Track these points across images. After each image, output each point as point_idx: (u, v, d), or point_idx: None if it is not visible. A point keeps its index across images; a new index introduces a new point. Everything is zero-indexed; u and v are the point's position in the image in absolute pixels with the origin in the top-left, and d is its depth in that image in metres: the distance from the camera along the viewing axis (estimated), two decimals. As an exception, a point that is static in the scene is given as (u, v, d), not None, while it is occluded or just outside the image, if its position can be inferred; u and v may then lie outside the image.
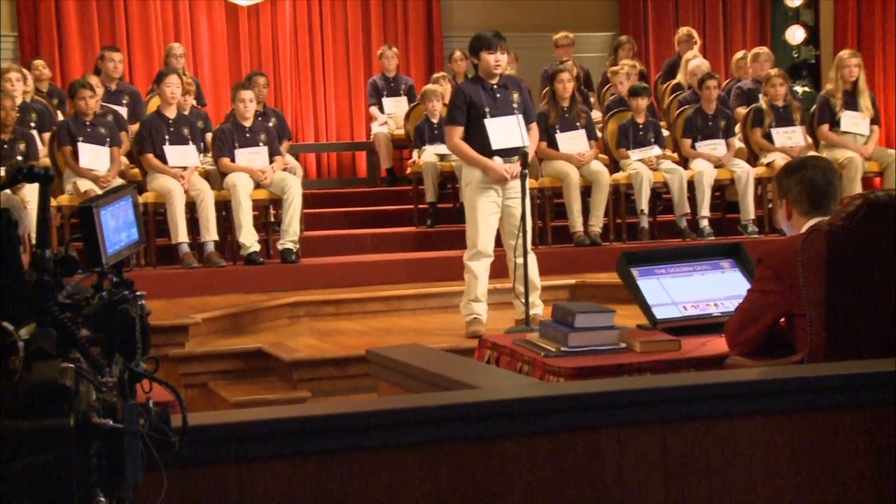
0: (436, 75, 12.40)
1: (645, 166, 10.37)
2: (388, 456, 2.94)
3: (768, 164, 10.47)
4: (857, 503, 3.24)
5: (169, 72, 10.21)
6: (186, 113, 10.17)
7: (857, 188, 10.00)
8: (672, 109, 11.67)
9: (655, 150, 10.59)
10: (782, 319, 4.20)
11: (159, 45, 13.09)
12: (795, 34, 13.77)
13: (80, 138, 9.50)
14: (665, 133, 11.09)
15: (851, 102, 10.59)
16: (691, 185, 10.43)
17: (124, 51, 12.35)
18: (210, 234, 9.50)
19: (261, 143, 9.86)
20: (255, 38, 13.81)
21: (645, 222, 10.37)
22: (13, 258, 1.91)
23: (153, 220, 9.55)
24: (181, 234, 9.44)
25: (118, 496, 1.92)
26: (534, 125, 7.79)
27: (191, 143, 9.84)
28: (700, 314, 5.02)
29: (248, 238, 9.51)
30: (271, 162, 9.84)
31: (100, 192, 7.65)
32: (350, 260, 10.10)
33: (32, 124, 10.06)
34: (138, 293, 2.15)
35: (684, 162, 10.76)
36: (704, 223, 10.41)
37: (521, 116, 7.51)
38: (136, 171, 10.07)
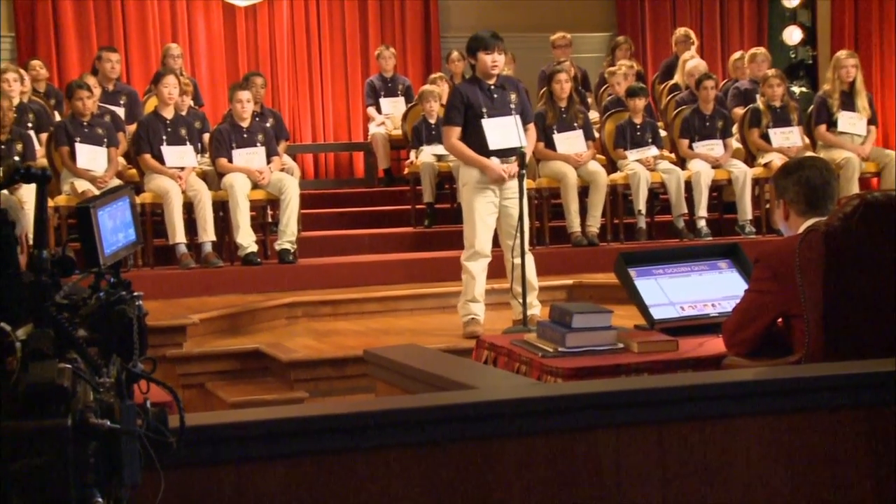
0: (433, 76, 12.40)
1: (642, 167, 10.37)
2: (386, 456, 2.94)
3: (766, 165, 10.47)
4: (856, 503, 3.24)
5: (166, 72, 10.20)
6: (184, 113, 10.17)
7: (855, 188, 10.00)
8: (669, 110, 11.67)
9: (653, 151, 10.60)
10: (780, 320, 4.20)
11: (156, 45, 13.09)
12: (793, 35, 13.77)
13: (78, 139, 9.50)
14: (662, 133, 11.09)
15: (848, 103, 10.60)
16: (689, 186, 10.43)
17: (122, 51, 12.34)
18: (207, 234, 9.50)
19: (258, 144, 9.86)
20: (252, 39, 13.81)
21: (642, 223, 10.37)
22: (10, 258, 1.91)
23: (150, 220, 9.55)
24: (178, 235, 9.43)
25: (115, 496, 1.92)
26: (531, 126, 7.79)
27: (188, 143, 9.83)
28: (697, 314, 5.03)
29: (246, 238, 9.51)
30: (269, 162, 9.84)
31: (97, 192, 7.67)
32: (347, 260, 10.09)
33: (30, 125, 10.05)
34: (136, 293, 2.15)
35: (682, 162, 10.76)
36: (702, 223, 10.41)
37: (518, 117, 7.51)
38: (134, 171, 10.07)
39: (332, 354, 7.18)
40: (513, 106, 7.53)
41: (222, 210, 9.70)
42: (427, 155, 10.89)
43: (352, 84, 13.99)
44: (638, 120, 10.70)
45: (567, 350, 4.60)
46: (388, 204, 11.83)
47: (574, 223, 10.11)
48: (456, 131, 7.51)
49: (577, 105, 10.60)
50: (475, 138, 7.42)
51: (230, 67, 13.60)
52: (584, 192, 10.23)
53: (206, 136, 10.31)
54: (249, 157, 9.77)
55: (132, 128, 10.23)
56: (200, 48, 13.57)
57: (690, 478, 3.13)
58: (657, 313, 5.00)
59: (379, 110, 12.68)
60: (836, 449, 3.23)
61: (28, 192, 8.15)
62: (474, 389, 3.77)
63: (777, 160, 9.95)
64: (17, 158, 9.18)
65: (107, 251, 2.18)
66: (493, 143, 7.40)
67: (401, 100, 12.66)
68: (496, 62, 7.48)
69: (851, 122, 10.60)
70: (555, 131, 10.29)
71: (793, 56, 14.06)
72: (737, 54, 12.51)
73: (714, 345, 4.58)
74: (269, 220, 10.16)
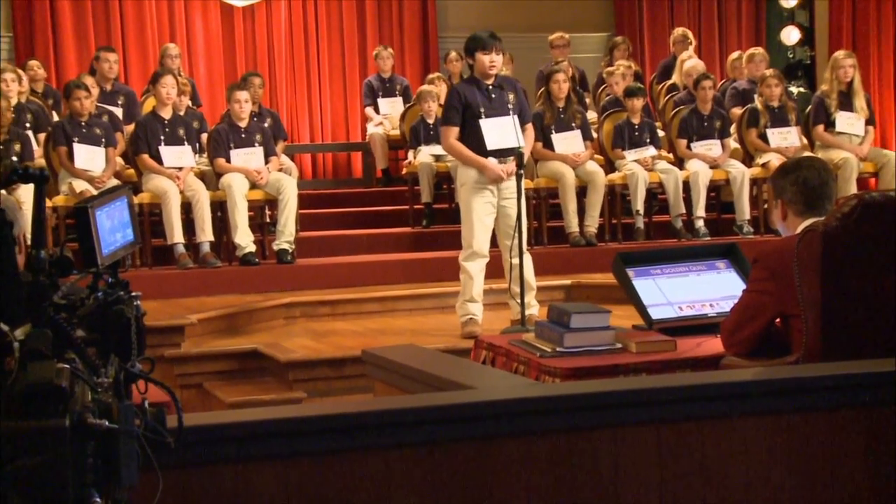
0: (431, 76, 12.40)
1: (640, 167, 10.37)
2: (384, 456, 2.94)
3: (763, 165, 10.48)
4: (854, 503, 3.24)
5: (164, 72, 10.19)
6: (182, 113, 10.17)
7: (852, 189, 10.00)
8: (667, 110, 11.68)
9: (651, 151, 10.60)
10: (778, 320, 4.21)
11: (154, 45, 13.08)
12: (790, 35, 13.78)
13: (76, 139, 9.49)
14: (660, 133, 11.09)
15: (846, 103, 10.60)
16: (687, 186, 10.44)
17: (119, 51, 12.32)
18: (205, 234, 9.49)
19: (256, 144, 9.86)
20: (250, 39, 13.81)
21: (640, 223, 10.37)
22: (8, 259, 1.91)
23: (148, 220, 9.54)
24: (177, 235, 9.43)
25: (114, 497, 1.92)
26: (529, 126, 7.79)
27: (186, 143, 9.83)
28: (696, 314, 5.03)
29: (244, 239, 9.51)
30: (267, 162, 9.83)
31: (95, 192, 7.66)
32: (346, 260, 10.09)
33: (27, 125, 10.04)
34: (134, 294, 2.16)
35: (680, 162, 10.76)
36: (700, 224, 10.41)
37: (516, 117, 7.51)
38: (132, 171, 10.07)
39: (330, 354, 7.18)
40: (511, 106, 7.53)
41: (220, 210, 9.70)
42: (425, 155, 10.89)
43: (350, 84, 13.99)
44: (636, 120, 10.70)
45: (565, 350, 4.60)
46: (386, 204, 11.83)
47: (572, 223, 10.11)
48: (454, 131, 7.51)
49: (575, 105, 10.60)
50: (473, 138, 7.42)
51: (228, 67, 13.60)
52: (582, 192, 10.23)
53: (205, 137, 10.31)
54: (247, 158, 9.77)
55: (130, 128, 10.22)
56: (198, 48, 13.57)
57: (688, 478, 3.13)
58: (655, 313, 5.00)
59: (377, 110, 12.68)
60: (835, 449, 3.23)
61: (26, 193, 8.14)
62: (472, 389, 3.77)
63: (775, 160, 9.95)
64: (15, 159, 9.18)
65: (105, 251, 2.18)
66: (491, 143, 7.40)
67: (399, 100, 12.66)
68: (494, 62, 7.48)
69: (849, 123, 10.61)
70: (553, 131, 10.29)
71: (791, 56, 14.07)
72: (735, 54, 12.52)
73: (712, 345, 4.58)
74: (268, 220, 10.15)
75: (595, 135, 10.82)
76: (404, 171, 11.41)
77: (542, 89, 10.77)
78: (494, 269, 7.69)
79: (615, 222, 10.42)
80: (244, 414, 3.64)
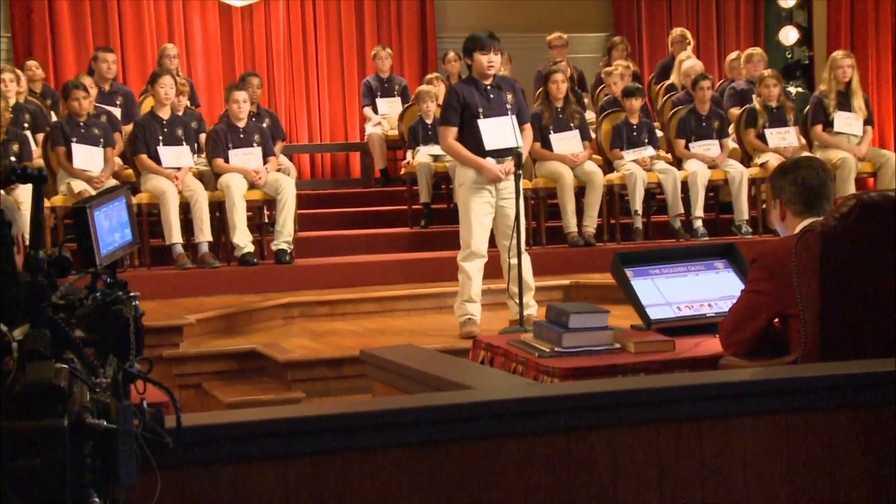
0: (429, 76, 12.40)
1: (639, 167, 10.37)
2: (383, 456, 2.94)
3: (762, 165, 10.48)
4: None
5: (162, 72, 10.19)
6: (180, 114, 10.16)
7: (851, 189, 10.01)
8: (666, 110, 11.68)
9: (649, 151, 10.59)
10: (776, 320, 4.21)
11: (153, 45, 13.08)
12: (789, 35, 13.78)
13: (74, 139, 9.49)
14: (659, 134, 11.09)
15: (845, 103, 10.60)
16: (685, 186, 10.44)
17: (118, 51, 12.32)
18: (204, 234, 9.49)
19: (255, 144, 9.85)
20: (248, 39, 13.80)
21: (639, 223, 10.37)
22: (7, 259, 1.91)
23: (147, 220, 9.53)
24: (175, 235, 9.43)
25: (112, 496, 1.92)
26: (528, 126, 7.79)
27: (185, 143, 9.82)
28: (694, 315, 5.03)
29: (242, 239, 9.50)
30: (265, 163, 9.83)
31: (94, 192, 7.65)
32: (344, 260, 10.09)
33: (26, 125, 10.04)
34: (132, 294, 2.16)
35: (678, 162, 10.76)
36: (698, 224, 10.42)
37: (514, 117, 7.51)
38: (130, 171, 10.06)
39: (328, 355, 7.18)
40: (509, 106, 7.53)
41: (219, 210, 9.69)
42: (423, 155, 10.89)
43: (348, 84, 13.99)
44: (634, 120, 10.70)
45: (563, 350, 4.60)
46: (384, 204, 11.82)
47: (570, 223, 10.11)
48: (452, 131, 7.51)
49: (574, 105, 10.60)
50: (471, 138, 7.42)
51: (226, 68, 13.60)
52: (580, 192, 10.23)
53: (203, 137, 10.31)
54: (246, 158, 9.76)
55: (129, 128, 10.22)
56: (197, 48, 13.57)
57: (687, 478, 3.13)
58: (654, 313, 5.00)
59: (375, 110, 12.68)
60: (834, 449, 3.23)
61: (25, 193, 8.13)
62: (471, 390, 3.77)
63: (773, 160, 9.95)
64: (13, 159, 9.17)
65: (103, 251, 2.18)
66: (490, 143, 7.40)
67: (397, 100, 12.65)
68: (492, 62, 7.48)
69: (848, 123, 10.61)
70: (551, 131, 10.29)
71: (789, 56, 14.07)
72: (733, 54, 12.52)
73: (711, 345, 4.58)
74: (266, 220, 10.15)
75: (593, 135, 10.82)
76: (403, 171, 11.41)
77: (541, 89, 10.76)
78: (493, 270, 7.69)
79: (613, 222, 10.42)
80: (242, 414, 3.64)
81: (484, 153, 7.39)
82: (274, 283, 9.39)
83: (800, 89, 13.33)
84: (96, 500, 1.84)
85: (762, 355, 4.18)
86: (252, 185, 9.66)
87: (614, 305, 5.67)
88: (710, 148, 10.70)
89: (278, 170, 10.04)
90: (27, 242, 1.99)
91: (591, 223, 10.18)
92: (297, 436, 2.91)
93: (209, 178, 9.87)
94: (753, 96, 11.12)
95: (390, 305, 8.97)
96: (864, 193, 4.13)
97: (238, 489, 2.85)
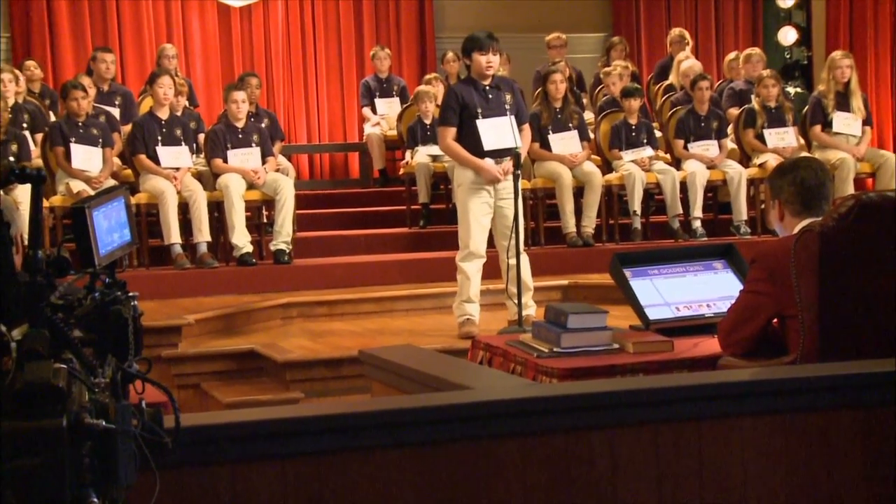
0: (428, 76, 12.39)
1: (637, 167, 10.37)
2: (382, 457, 2.94)
3: (761, 165, 10.48)
4: None
5: (161, 73, 10.19)
6: (179, 114, 10.16)
7: (849, 189, 10.01)
8: (664, 110, 11.68)
9: (648, 151, 10.60)
10: (775, 320, 4.21)
11: (151, 45, 13.07)
12: (787, 35, 13.78)
13: (73, 139, 9.49)
14: (657, 134, 11.09)
15: (844, 103, 10.60)
16: (684, 186, 10.44)
17: (116, 52, 12.32)
18: (203, 234, 9.49)
19: (253, 144, 9.85)
20: (247, 39, 13.80)
21: (637, 223, 10.37)
22: (5, 259, 1.91)
23: (146, 220, 9.53)
24: (174, 235, 9.43)
25: (111, 497, 1.92)
26: (526, 126, 7.79)
27: (183, 144, 9.82)
28: (693, 315, 5.03)
29: (241, 239, 9.50)
30: (264, 163, 9.83)
31: (92, 192, 7.65)
32: (343, 261, 10.09)
33: (24, 125, 10.04)
34: (131, 294, 2.16)
35: (677, 163, 10.77)
36: (697, 224, 10.42)
37: (513, 117, 7.51)
38: (129, 171, 10.06)
39: (327, 355, 7.18)
40: (508, 106, 7.53)
41: (217, 210, 9.69)
42: (422, 155, 10.89)
43: (347, 84, 13.99)
44: (633, 120, 10.70)
45: (562, 350, 4.60)
46: (383, 204, 11.82)
47: (569, 224, 10.11)
48: (451, 132, 7.51)
49: (572, 105, 10.59)
50: (470, 139, 7.42)
51: (225, 68, 13.60)
52: (579, 192, 10.23)
53: (202, 137, 10.30)
54: (245, 158, 9.76)
55: (127, 128, 10.22)
56: (195, 48, 13.56)
57: (686, 478, 3.13)
58: (652, 314, 5.00)
59: (374, 111, 12.68)
60: (833, 449, 3.23)
61: (23, 193, 8.13)
62: (470, 390, 3.77)
63: (772, 161, 9.95)
64: (12, 159, 9.17)
65: (102, 251, 2.18)
66: (488, 143, 7.40)
67: (396, 100, 12.65)
68: (491, 63, 7.48)
69: (846, 123, 10.61)
70: (550, 132, 10.29)
71: (788, 56, 14.07)
72: (732, 55, 12.52)
73: (709, 345, 4.58)
74: (265, 220, 10.15)
75: (592, 135, 10.82)
76: (401, 171, 11.41)
77: (539, 90, 10.77)
78: (491, 270, 7.69)
79: (612, 223, 10.42)
80: (241, 414, 3.64)
81: (482, 153, 7.39)
82: (272, 283, 9.39)
83: (798, 89, 13.33)
84: (95, 500, 1.84)
85: (761, 355, 4.18)
86: (251, 186, 9.66)
87: (613, 306, 5.66)
88: (708, 148, 10.71)
89: (277, 170, 10.04)
90: (26, 242, 1.98)
91: (590, 223, 10.18)
92: (295, 436, 2.91)
93: (208, 179, 9.86)
94: (752, 97, 11.13)
95: (389, 306, 8.97)
96: (863, 194, 4.14)
97: (237, 489, 2.84)
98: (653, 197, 10.94)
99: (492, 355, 4.99)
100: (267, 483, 2.86)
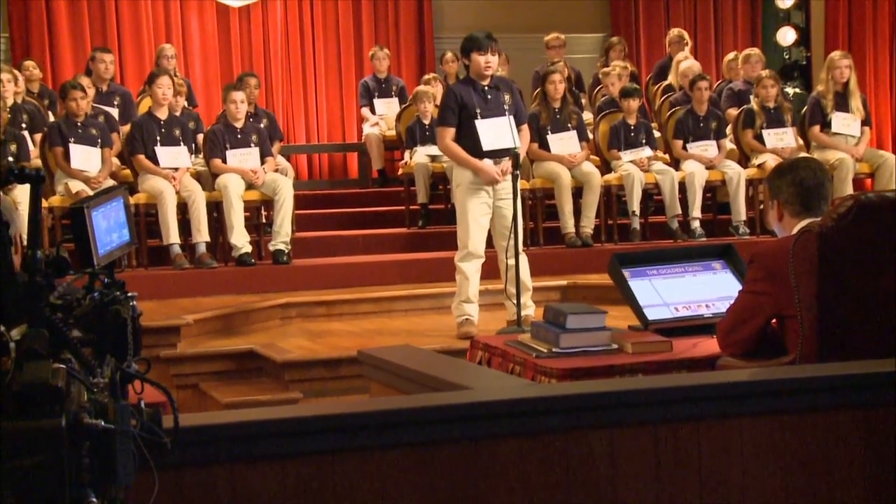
0: (427, 76, 12.39)
1: (636, 167, 10.37)
2: (380, 457, 2.94)
3: (759, 166, 10.48)
4: (849, 504, 3.25)
5: (160, 73, 10.18)
6: (178, 114, 10.16)
7: (848, 189, 10.02)
8: (663, 111, 11.68)
9: (647, 152, 10.60)
10: (774, 320, 4.21)
11: (150, 46, 13.07)
12: (786, 35, 13.79)
13: (72, 139, 9.49)
14: (656, 134, 11.10)
15: (842, 104, 10.61)
16: (683, 187, 10.44)
17: (115, 52, 12.32)
18: (201, 235, 9.49)
19: (252, 145, 9.85)
20: (246, 40, 13.79)
21: (636, 223, 10.37)
22: (4, 259, 1.91)
23: (144, 221, 9.53)
24: (172, 235, 9.42)
25: (110, 497, 1.92)
26: (525, 127, 7.79)
27: (182, 144, 9.82)
28: (692, 315, 5.03)
29: (240, 239, 9.50)
30: (263, 163, 9.83)
31: (91, 193, 7.65)
32: (342, 261, 10.09)
33: (24, 125, 10.04)
34: (130, 294, 2.16)
35: (675, 163, 10.77)
36: (696, 224, 10.42)
37: (512, 118, 7.51)
38: (128, 171, 10.06)
39: (326, 355, 7.18)
40: (507, 107, 7.53)
41: (216, 211, 9.69)
42: (421, 156, 10.89)
43: (346, 85, 13.99)
44: (632, 121, 10.71)
45: (561, 351, 4.60)
46: (382, 205, 11.82)
47: (568, 224, 10.11)
48: (450, 132, 7.51)
49: (571, 106, 10.60)
50: (469, 139, 7.42)
51: (224, 68, 13.59)
52: (577, 192, 10.23)
53: (200, 137, 10.30)
54: (243, 158, 9.76)
55: (126, 128, 10.21)
56: (194, 49, 13.56)
57: (685, 478, 3.13)
58: (651, 314, 5.00)
59: (373, 111, 12.67)
60: (832, 450, 3.23)
61: (22, 193, 8.13)
62: (468, 390, 3.77)
63: (771, 161, 9.95)
64: (11, 159, 9.18)
65: (101, 251, 2.18)
66: (487, 143, 7.40)
67: (395, 100, 12.65)
68: (490, 63, 7.48)
69: (845, 123, 10.61)
70: (549, 132, 10.29)
71: (786, 57, 14.08)
72: (730, 55, 12.53)
73: (708, 345, 4.58)
74: (263, 220, 10.16)
75: (591, 135, 10.82)
76: (400, 171, 11.40)
77: (538, 90, 10.77)
78: (490, 270, 7.70)
79: (611, 223, 10.42)
80: (240, 414, 3.64)
81: (481, 154, 7.39)
82: (271, 283, 9.39)
83: (797, 90, 13.33)
84: (94, 500, 1.84)
85: (760, 356, 4.18)
86: (250, 186, 9.66)
87: (612, 306, 5.67)
88: (707, 148, 10.71)
89: (276, 170, 10.04)
90: (25, 242, 1.98)
91: (589, 224, 10.18)
92: (294, 436, 2.91)
93: (207, 179, 9.86)
94: (751, 97, 11.13)
95: (388, 306, 8.97)
96: (862, 194, 4.13)
97: (236, 489, 2.84)
98: (651, 197, 10.95)
99: (491, 355, 4.99)
100: (266, 483, 2.86)
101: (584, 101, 12.40)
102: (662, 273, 5.20)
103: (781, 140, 10.64)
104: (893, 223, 4.00)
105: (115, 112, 10.74)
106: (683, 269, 5.24)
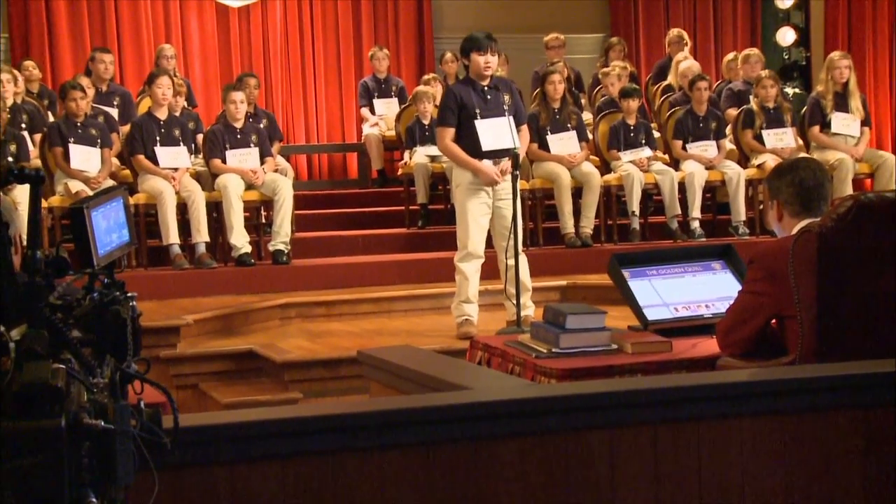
0: (427, 76, 12.39)
1: (636, 168, 10.38)
2: (380, 457, 2.94)
3: (759, 166, 10.48)
4: (849, 504, 3.25)
5: (160, 73, 10.18)
6: (177, 114, 10.16)
7: (848, 190, 10.02)
8: (663, 111, 11.68)
9: (646, 152, 10.60)
10: (773, 321, 4.21)
11: (150, 46, 13.07)
12: (786, 35, 13.79)
13: (71, 139, 9.49)
14: (656, 134, 11.10)
15: (842, 104, 10.61)
16: (682, 187, 10.44)
17: (115, 52, 12.32)
18: (201, 235, 9.49)
19: (252, 145, 9.85)
20: (245, 40, 13.79)
21: (636, 224, 10.37)
22: (4, 259, 1.91)
23: (144, 221, 9.53)
24: (172, 236, 9.42)
25: (110, 497, 1.92)
26: (524, 127, 7.80)
27: (182, 144, 9.82)
28: (691, 315, 5.03)
29: (240, 239, 9.50)
30: (262, 163, 9.83)
31: (91, 193, 7.65)
32: (341, 261, 10.09)
33: (23, 125, 10.04)
34: (129, 294, 2.15)
35: (675, 163, 10.77)
36: (695, 224, 10.42)
37: (511, 118, 7.51)
38: (128, 172, 10.06)
39: (325, 355, 7.18)
40: (506, 107, 7.53)
41: (216, 211, 9.69)
42: (420, 156, 10.89)
43: (345, 85, 13.99)
44: (631, 121, 10.71)
45: (561, 351, 4.59)
46: (381, 205, 11.82)
47: (567, 224, 10.11)
48: (450, 132, 7.51)
49: (571, 106, 10.60)
50: (469, 139, 7.42)
51: (223, 68, 13.60)
52: (577, 193, 10.23)
53: (200, 137, 10.30)
54: (243, 158, 9.76)
55: (126, 128, 10.21)
56: (194, 49, 13.56)
57: (685, 479, 3.13)
58: (651, 314, 5.00)
59: (372, 111, 12.67)
60: (832, 450, 3.23)
61: (22, 193, 8.13)
62: (468, 390, 3.77)
63: (770, 161, 9.96)
64: (10, 159, 9.18)
65: (101, 252, 2.18)
66: (487, 144, 7.40)
67: (394, 101, 12.65)
68: (489, 63, 7.48)
69: (845, 124, 10.62)
70: (548, 132, 10.29)
71: (786, 57, 14.08)
72: (730, 55, 12.53)
73: (708, 346, 4.58)
74: (263, 220, 10.16)
75: (590, 136, 10.82)
76: (400, 171, 11.40)
77: (538, 90, 10.78)
78: (490, 270, 7.70)
79: (611, 223, 10.42)
80: (240, 415, 3.64)
81: (481, 154, 7.39)
82: (271, 283, 9.38)
83: (797, 90, 13.34)
84: (93, 500, 1.84)
85: (760, 356, 4.18)
86: (249, 186, 9.66)
87: (611, 306, 5.67)
88: (707, 149, 10.71)
89: (275, 170, 10.04)
90: (24, 243, 1.98)
91: (589, 224, 10.18)
92: (294, 436, 2.91)
93: (206, 179, 9.86)
94: (750, 97, 11.13)
95: (387, 306, 8.97)
96: (862, 194, 4.13)
97: (236, 489, 2.84)
98: (651, 197, 10.95)
99: (490, 356, 4.99)
100: (266, 483, 2.86)
101: (583, 101, 12.41)
102: (662, 273, 5.20)
103: (781, 140, 10.65)
104: (893, 223, 4.01)
105: (114, 112, 10.74)
106: (683, 270, 5.24)
